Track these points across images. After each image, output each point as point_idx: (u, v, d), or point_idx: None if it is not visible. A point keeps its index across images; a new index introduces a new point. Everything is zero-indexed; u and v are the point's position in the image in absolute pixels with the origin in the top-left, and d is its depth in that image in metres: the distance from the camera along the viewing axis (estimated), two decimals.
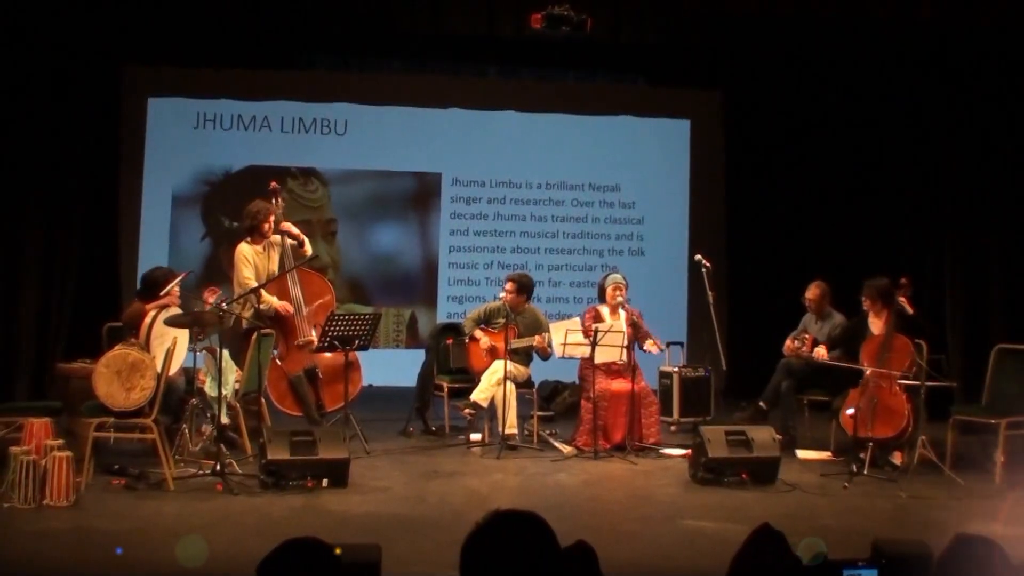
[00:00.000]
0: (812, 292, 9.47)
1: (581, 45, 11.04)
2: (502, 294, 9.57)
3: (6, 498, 6.65)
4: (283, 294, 9.13)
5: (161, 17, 10.92)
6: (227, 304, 8.12)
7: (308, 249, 9.34)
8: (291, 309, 9.14)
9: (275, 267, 9.14)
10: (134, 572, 5.61)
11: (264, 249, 9.08)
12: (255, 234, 9.04)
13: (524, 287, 9.58)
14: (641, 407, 9.06)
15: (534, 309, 9.71)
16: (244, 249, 9.00)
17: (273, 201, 9.31)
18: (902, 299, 8.46)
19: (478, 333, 9.48)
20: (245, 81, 12.21)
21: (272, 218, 9.09)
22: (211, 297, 8.51)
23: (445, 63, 12.72)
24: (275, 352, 9.00)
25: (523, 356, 9.39)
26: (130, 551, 5.74)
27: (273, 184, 9.55)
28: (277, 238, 9.18)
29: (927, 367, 8.05)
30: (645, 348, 9.23)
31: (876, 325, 8.67)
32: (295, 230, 9.32)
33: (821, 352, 8.78)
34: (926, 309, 8.91)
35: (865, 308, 8.77)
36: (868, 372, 8.31)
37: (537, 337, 9.27)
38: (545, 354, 9.35)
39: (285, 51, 12.05)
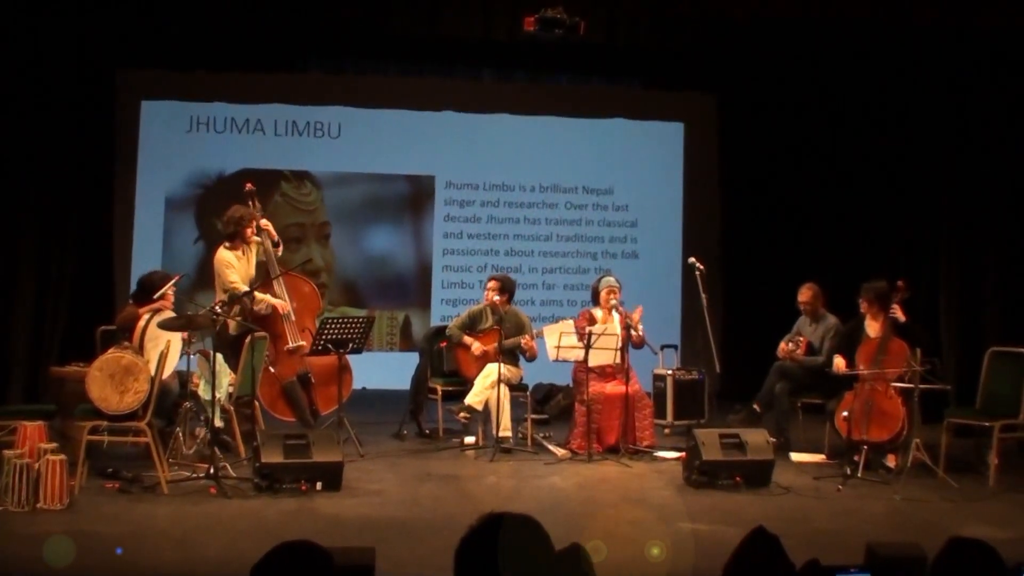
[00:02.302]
0: (804, 294, 9.48)
1: (575, 48, 11.04)
2: (495, 296, 9.53)
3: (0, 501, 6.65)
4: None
5: (155, 20, 10.90)
6: (222, 307, 8.09)
7: (280, 250, 9.34)
8: (288, 307, 9.13)
9: (253, 270, 9.08)
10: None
11: (243, 253, 9.05)
12: (237, 239, 8.99)
13: (507, 287, 9.59)
14: (635, 410, 9.06)
15: (516, 310, 9.70)
16: (226, 255, 8.94)
17: (250, 203, 9.27)
18: (895, 306, 8.46)
19: (467, 340, 9.48)
20: (239, 84, 12.19)
21: (255, 224, 9.06)
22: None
23: (439, 66, 12.72)
24: (266, 358, 8.98)
25: (511, 357, 9.39)
26: (124, 554, 5.74)
27: (248, 186, 9.49)
28: (256, 239, 9.16)
29: (921, 370, 8.04)
30: (635, 334, 9.20)
31: (873, 328, 8.66)
32: (271, 228, 9.29)
33: (840, 364, 8.68)
34: (920, 313, 8.92)
35: (863, 311, 8.77)
36: (863, 375, 8.31)
37: (526, 337, 9.29)
38: (532, 355, 9.36)
39: (279, 54, 12.03)
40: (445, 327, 10.08)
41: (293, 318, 9.22)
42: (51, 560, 5.52)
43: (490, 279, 9.75)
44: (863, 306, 8.75)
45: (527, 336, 9.32)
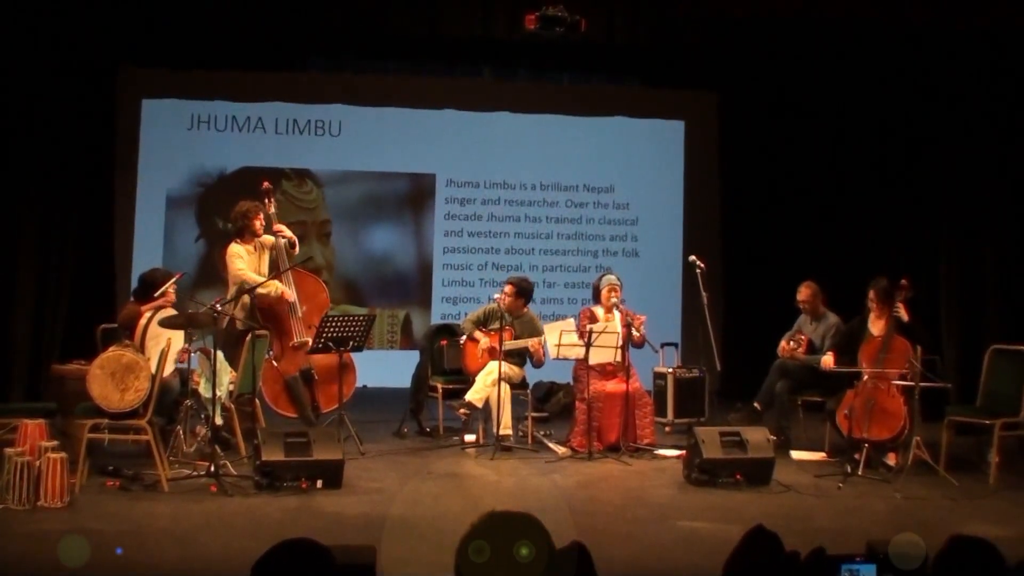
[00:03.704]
0: (803, 293, 9.47)
1: (576, 46, 11.03)
2: (497, 295, 9.53)
3: (0, 499, 6.64)
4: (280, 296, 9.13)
5: (156, 19, 10.91)
6: (222, 304, 8.09)
7: (297, 250, 9.34)
8: (293, 296, 9.12)
9: (265, 268, 9.09)
10: (128, 574, 5.59)
11: (255, 249, 9.05)
12: (246, 234, 8.99)
13: (523, 292, 9.54)
14: (635, 408, 9.06)
15: (532, 315, 9.67)
16: (236, 248, 8.96)
17: (266, 201, 9.27)
18: (899, 305, 8.46)
19: (478, 334, 9.47)
20: (239, 82, 12.20)
21: (261, 216, 9.06)
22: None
23: (439, 64, 12.73)
24: (270, 353, 8.99)
25: (518, 358, 9.38)
26: (124, 552, 5.74)
27: (266, 184, 9.51)
28: (269, 239, 9.15)
29: (922, 368, 8.04)
30: (635, 335, 9.17)
31: (877, 326, 8.65)
32: (288, 232, 9.30)
33: (828, 361, 8.75)
34: (920, 311, 8.92)
35: (870, 304, 8.72)
36: (865, 373, 8.31)
37: (533, 340, 9.25)
38: (539, 361, 9.34)
39: (280, 52, 12.03)
40: (446, 325, 10.09)
41: (300, 313, 9.22)
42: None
43: (507, 282, 9.64)
44: (871, 298, 8.70)
45: (535, 340, 9.28)
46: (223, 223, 11.52)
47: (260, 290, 8.83)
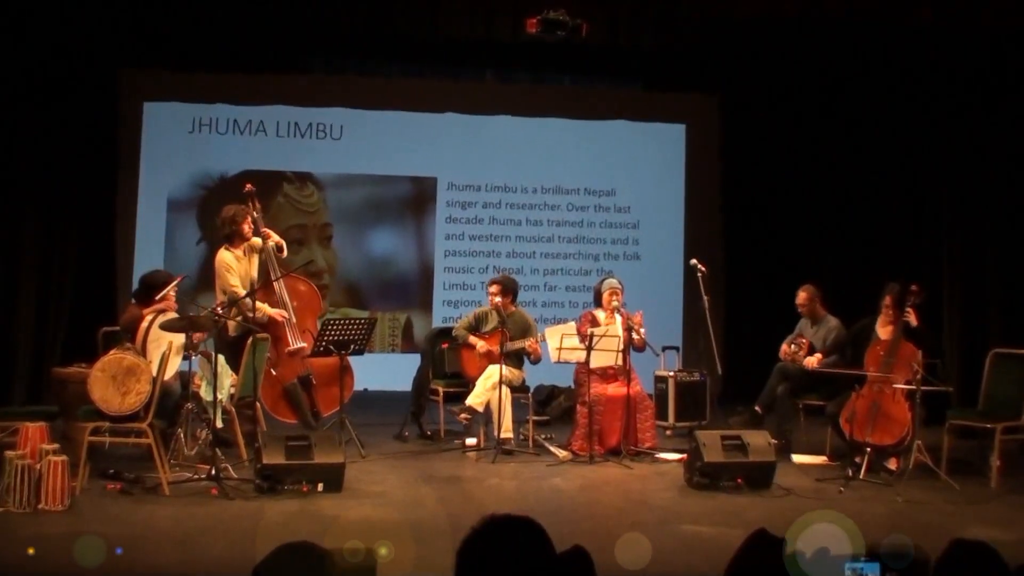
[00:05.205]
0: (801, 297, 9.46)
1: (577, 49, 11.04)
2: (497, 299, 9.52)
3: (1, 502, 6.64)
4: (272, 300, 9.11)
5: (157, 21, 10.92)
6: (223, 309, 8.09)
7: (284, 253, 9.32)
8: (286, 316, 9.10)
9: (255, 272, 9.05)
10: None
11: (244, 254, 9.01)
12: (235, 238, 8.94)
13: (508, 288, 9.57)
14: (637, 411, 9.05)
15: (521, 311, 9.70)
16: (226, 256, 8.89)
17: (249, 204, 9.23)
18: (909, 310, 8.46)
19: (473, 339, 9.48)
20: (241, 85, 12.19)
21: (249, 219, 9.04)
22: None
23: (441, 67, 12.72)
24: (268, 360, 8.96)
25: (515, 359, 9.38)
26: (125, 555, 5.74)
27: (248, 186, 9.41)
28: (257, 241, 9.11)
29: (924, 371, 8.03)
30: (636, 338, 9.16)
31: (885, 330, 8.66)
32: (276, 236, 9.27)
33: (812, 362, 8.80)
34: (922, 314, 8.92)
35: (885, 310, 8.71)
36: (870, 377, 8.31)
37: (530, 340, 9.26)
38: (536, 358, 9.35)
39: (281, 55, 12.04)
40: (447, 328, 10.08)
41: (294, 320, 9.20)
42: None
43: (491, 283, 9.71)
44: (888, 303, 8.69)
45: (531, 339, 9.29)
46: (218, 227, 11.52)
47: (255, 315, 8.82)
